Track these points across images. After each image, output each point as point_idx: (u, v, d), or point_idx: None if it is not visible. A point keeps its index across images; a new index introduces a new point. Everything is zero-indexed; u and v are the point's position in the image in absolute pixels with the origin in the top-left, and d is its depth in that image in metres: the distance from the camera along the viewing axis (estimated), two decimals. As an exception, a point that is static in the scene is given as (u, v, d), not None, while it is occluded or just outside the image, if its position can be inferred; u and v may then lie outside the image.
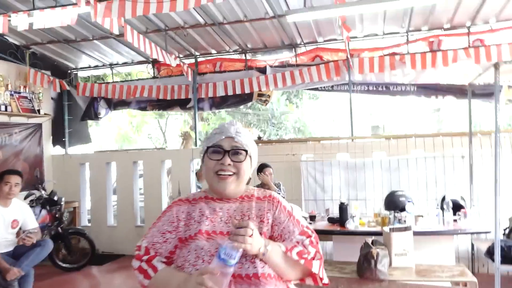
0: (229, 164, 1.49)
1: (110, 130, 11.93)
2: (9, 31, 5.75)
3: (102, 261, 6.11)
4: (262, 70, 6.19)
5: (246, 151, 1.52)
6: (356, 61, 5.70)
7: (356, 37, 5.87)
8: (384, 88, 6.01)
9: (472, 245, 4.98)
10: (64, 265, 5.65)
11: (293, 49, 6.20)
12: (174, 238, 1.48)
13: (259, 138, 7.28)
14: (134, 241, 6.19)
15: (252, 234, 1.31)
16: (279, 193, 4.85)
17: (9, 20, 4.20)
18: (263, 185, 4.85)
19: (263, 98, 6.47)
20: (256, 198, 1.58)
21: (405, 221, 3.95)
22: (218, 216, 1.50)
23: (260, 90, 6.22)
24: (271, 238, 1.50)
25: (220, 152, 1.51)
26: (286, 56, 6.33)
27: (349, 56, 5.65)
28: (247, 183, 1.61)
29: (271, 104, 12.14)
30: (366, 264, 3.30)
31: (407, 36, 5.76)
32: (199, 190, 3.54)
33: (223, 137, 1.52)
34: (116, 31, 4.10)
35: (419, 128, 16.54)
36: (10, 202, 3.89)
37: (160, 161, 6.54)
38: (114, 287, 5.14)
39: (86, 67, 7.20)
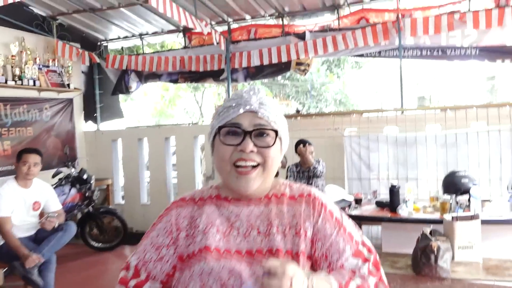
0: (252, 151, 1.02)
1: (145, 105, 11.74)
2: (34, 1, 5.53)
3: (135, 240, 5.87)
4: (301, 36, 5.60)
5: (275, 131, 1.04)
6: (407, 22, 5.00)
7: (407, -5, 5.16)
8: (439, 52, 5.29)
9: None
10: (96, 244, 5.51)
11: (336, 11, 5.55)
12: (173, 256, 1.05)
13: (298, 111, 6.75)
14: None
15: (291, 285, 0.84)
16: (316, 168, 4.36)
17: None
18: (301, 158, 4.41)
19: (302, 67, 5.90)
20: (288, 198, 1.09)
21: (467, 206, 3.39)
22: (234, 227, 1.04)
23: (298, 58, 5.65)
24: (310, 259, 1.03)
25: (239, 134, 1.03)
26: (327, 19, 5.69)
27: (399, 16, 4.96)
28: (275, 176, 1.12)
29: (311, 75, 11.48)
30: (424, 259, 2.80)
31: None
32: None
33: (241, 111, 1.03)
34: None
35: (471, 99, 15.35)
36: (31, 183, 3.64)
37: (193, 137, 6.20)
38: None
39: (115, 39, 6.87)
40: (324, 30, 5.56)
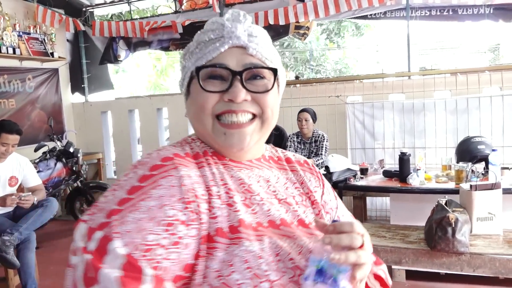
0: (246, 100, 0.73)
1: (138, 77, 11.33)
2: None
3: (128, 215, 5.66)
4: (300, -3, 5.20)
5: (273, 70, 0.76)
6: (416, -22, 4.60)
7: None
8: (450, 12, 4.90)
9: None
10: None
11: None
12: (195, 238, 0.64)
13: (297, 77, 6.39)
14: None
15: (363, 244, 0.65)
16: (322, 144, 4.09)
17: None
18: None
19: (301, 31, 5.50)
20: (286, 163, 0.88)
21: (483, 174, 3.10)
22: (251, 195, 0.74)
23: (297, 22, 5.25)
24: None
25: (224, 78, 0.74)
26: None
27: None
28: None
29: (310, 44, 11.04)
30: (440, 232, 2.53)
31: None
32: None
33: (226, 46, 0.73)
34: None
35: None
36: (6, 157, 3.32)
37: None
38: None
39: (101, 4, 6.43)
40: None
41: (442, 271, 2.81)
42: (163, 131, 6.22)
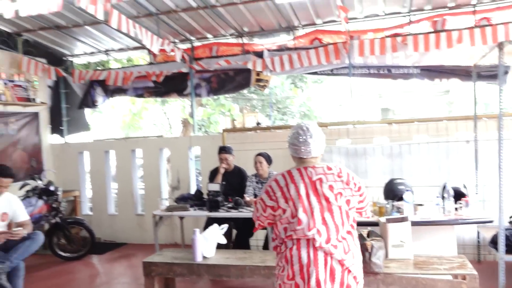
0: None
1: (113, 118, 11.86)
2: (-1, 18, 5.69)
3: (104, 249, 6.10)
4: (260, 54, 5.98)
5: None
6: (356, 43, 5.47)
7: (356, 18, 5.64)
8: (386, 71, 5.78)
9: (478, 233, 4.82)
10: (64, 254, 5.66)
11: (291, 32, 5.98)
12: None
13: (258, 124, 7.13)
14: (134, 230, 6.18)
15: None
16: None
17: (-6, 8, 4.08)
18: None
19: (261, 83, 6.28)
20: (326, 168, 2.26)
21: (398, 209, 3.81)
22: None
23: (257, 75, 6.04)
24: None
25: None
26: (284, 39, 6.12)
27: (348, 38, 5.43)
28: None
29: (275, 88, 11.94)
30: (360, 256, 3.17)
31: (409, 16, 5.51)
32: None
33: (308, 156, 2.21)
34: (101, 17, 3.95)
35: (429, 111, 16.20)
36: (-1, 195, 3.83)
37: (158, 149, 6.44)
38: (113, 276, 5.10)
39: (81, 54, 7.08)
40: (281, 49, 5.97)
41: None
42: (136, 170, 6.77)
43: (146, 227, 6.26)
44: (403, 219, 3.42)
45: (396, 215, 3.63)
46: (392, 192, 4.02)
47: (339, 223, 2.12)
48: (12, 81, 6.06)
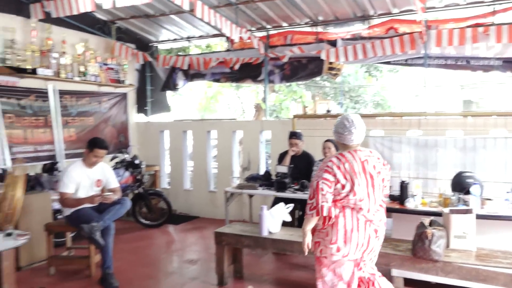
0: None
1: (191, 100, 12.58)
2: (97, 8, 6.34)
3: (179, 220, 6.67)
4: (333, 43, 6.09)
5: None
6: (433, 33, 5.36)
7: (434, 8, 5.52)
8: (464, 62, 5.61)
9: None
10: (145, 221, 6.28)
11: (366, 21, 5.99)
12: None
13: (328, 111, 7.24)
14: (206, 205, 6.68)
15: None
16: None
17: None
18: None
19: (333, 72, 6.38)
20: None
21: (465, 202, 3.80)
22: None
23: (330, 63, 6.15)
24: None
25: None
26: (358, 28, 6.14)
27: (425, 28, 5.34)
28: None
29: (348, 76, 11.87)
30: (420, 243, 3.28)
31: (493, 5, 5.28)
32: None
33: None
34: (186, 7, 4.32)
35: (510, 105, 15.09)
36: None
37: (231, 131, 6.83)
38: (186, 244, 5.61)
39: (165, 40, 7.63)
40: (355, 38, 6.02)
41: (431, 280, 3.54)
42: (211, 150, 7.24)
43: (217, 203, 6.72)
44: (467, 211, 3.44)
45: (462, 207, 3.65)
46: (460, 185, 4.01)
47: (378, 196, 2.70)
48: (106, 64, 6.74)
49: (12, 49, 5.32)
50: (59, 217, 4.97)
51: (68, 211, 4.25)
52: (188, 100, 12.71)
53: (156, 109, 7.86)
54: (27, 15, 5.53)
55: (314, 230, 2.78)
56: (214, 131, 7.12)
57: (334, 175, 2.60)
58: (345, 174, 2.61)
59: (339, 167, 2.62)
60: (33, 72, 5.43)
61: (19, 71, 5.30)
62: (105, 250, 4.03)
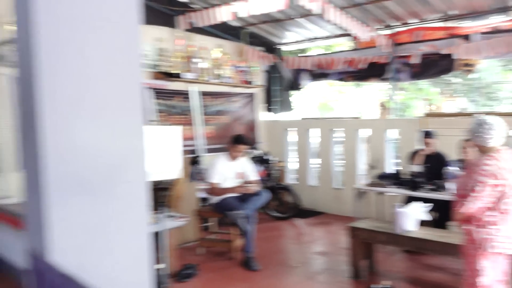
0: None
1: (310, 98, 12.89)
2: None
3: (305, 215, 6.95)
4: (466, 38, 5.82)
5: None
6: None
7: None
8: None
9: None
10: (274, 214, 6.72)
11: (506, 12, 5.61)
12: None
13: (460, 109, 6.90)
14: (331, 201, 6.89)
15: None
16: None
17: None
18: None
19: (467, 68, 6.09)
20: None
21: None
22: None
23: (461, 60, 5.90)
24: None
25: None
26: (496, 21, 5.77)
27: None
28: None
29: (482, 72, 11.05)
30: None
31: None
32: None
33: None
34: (318, 11, 4.59)
35: None
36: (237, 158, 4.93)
37: (355, 130, 6.93)
38: (315, 237, 5.91)
39: (290, 42, 8.00)
40: (493, 31, 5.68)
41: None
42: (333, 148, 7.41)
43: (343, 200, 6.87)
44: None
45: None
46: None
47: None
48: (238, 66, 7.34)
49: (163, 57, 6.14)
50: (204, 204, 5.62)
51: (214, 199, 4.83)
52: (309, 99, 13.04)
53: (280, 108, 8.29)
54: (171, 25, 6.28)
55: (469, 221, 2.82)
56: (337, 129, 7.27)
57: (500, 177, 2.71)
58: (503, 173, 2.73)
59: (500, 168, 2.72)
60: (178, 76, 6.20)
61: (169, 76, 6.10)
62: (248, 236, 4.51)
